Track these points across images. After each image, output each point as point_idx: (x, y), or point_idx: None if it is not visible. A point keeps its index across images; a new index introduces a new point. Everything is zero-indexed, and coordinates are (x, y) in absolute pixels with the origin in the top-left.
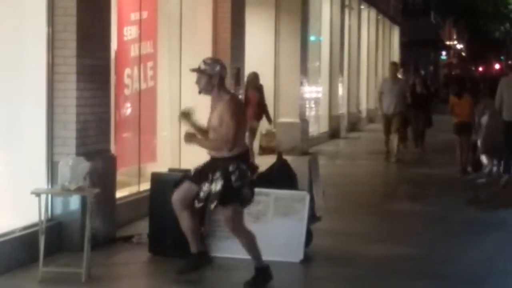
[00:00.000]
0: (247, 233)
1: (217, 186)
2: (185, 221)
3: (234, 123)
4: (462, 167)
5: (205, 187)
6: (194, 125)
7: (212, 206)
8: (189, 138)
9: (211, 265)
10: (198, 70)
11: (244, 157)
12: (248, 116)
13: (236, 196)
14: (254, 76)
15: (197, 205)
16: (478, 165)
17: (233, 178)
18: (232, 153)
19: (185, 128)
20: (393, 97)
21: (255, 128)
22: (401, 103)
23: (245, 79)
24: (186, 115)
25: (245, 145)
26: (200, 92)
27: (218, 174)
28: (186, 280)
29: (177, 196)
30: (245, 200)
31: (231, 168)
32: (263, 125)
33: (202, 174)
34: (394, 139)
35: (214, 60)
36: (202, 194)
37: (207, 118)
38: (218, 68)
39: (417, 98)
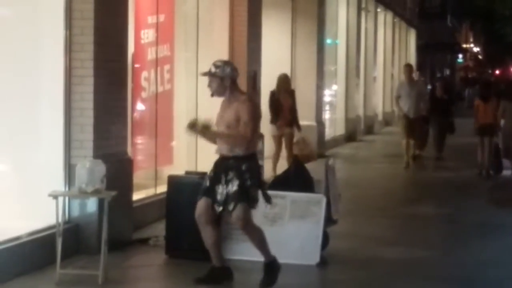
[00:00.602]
0: (256, 230)
1: (233, 186)
2: (208, 236)
3: (252, 123)
4: (480, 170)
5: (220, 189)
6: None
7: (231, 207)
8: (205, 130)
9: (231, 282)
10: (208, 74)
11: (255, 157)
12: (280, 123)
13: (246, 195)
14: (286, 78)
15: (218, 209)
16: (499, 167)
17: (245, 177)
18: (244, 153)
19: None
20: (411, 100)
21: (288, 134)
22: (420, 106)
23: (259, 82)
24: (193, 125)
25: (256, 146)
26: (212, 95)
27: (231, 175)
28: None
29: (199, 212)
30: (254, 200)
31: (244, 168)
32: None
33: (214, 179)
34: (411, 144)
35: (225, 62)
36: (219, 197)
37: (217, 116)
38: (228, 70)
39: (437, 102)
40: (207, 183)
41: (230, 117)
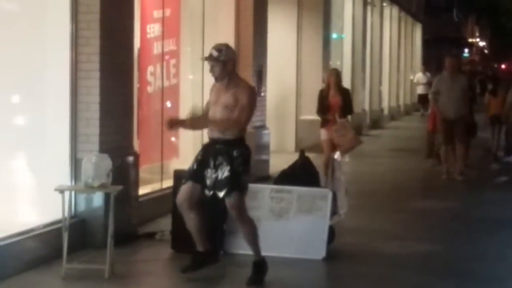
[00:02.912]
0: (250, 222)
1: (223, 173)
2: (191, 221)
3: (250, 108)
4: (494, 154)
5: (209, 173)
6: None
7: (222, 194)
8: (195, 123)
9: (218, 264)
10: (211, 58)
11: (245, 142)
12: (329, 126)
13: (238, 182)
14: (337, 75)
15: (208, 193)
16: (509, 150)
17: (237, 162)
18: (235, 136)
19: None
20: (453, 98)
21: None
22: (464, 105)
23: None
24: (173, 124)
25: (246, 131)
26: (217, 80)
27: (221, 159)
28: (205, 278)
29: (181, 197)
30: (245, 186)
31: (235, 153)
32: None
33: (203, 162)
34: (460, 151)
35: (226, 46)
36: (209, 182)
37: (211, 101)
38: (231, 53)
39: None
40: (195, 166)
41: (229, 100)
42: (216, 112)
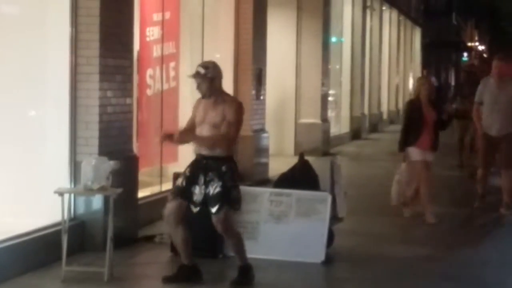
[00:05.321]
0: (237, 234)
1: (215, 188)
2: (178, 236)
3: (238, 125)
4: None
5: (197, 190)
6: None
7: (214, 209)
8: (183, 138)
9: (200, 280)
10: (198, 75)
11: (233, 160)
12: (423, 145)
13: (228, 197)
14: (430, 85)
15: (194, 210)
16: None
17: (226, 178)
18: (225, 154)
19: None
20: (497, 110)
21: (430, 161)
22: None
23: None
24: (164, 138)
25: (235, 149)
26: (204, 97)
27: (211, 175)
28: (204, 281)
29: (169, 212)
30: (236, 201)
31: (224, 168)
32: None
33: (191, 179)
34: (505, 179)
35: (213, 64)
36: (196, 198)
37: (197, 116)
38: (217, 71)
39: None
40: (184, 183)
41: (217, 117)
42: (203, 131)
